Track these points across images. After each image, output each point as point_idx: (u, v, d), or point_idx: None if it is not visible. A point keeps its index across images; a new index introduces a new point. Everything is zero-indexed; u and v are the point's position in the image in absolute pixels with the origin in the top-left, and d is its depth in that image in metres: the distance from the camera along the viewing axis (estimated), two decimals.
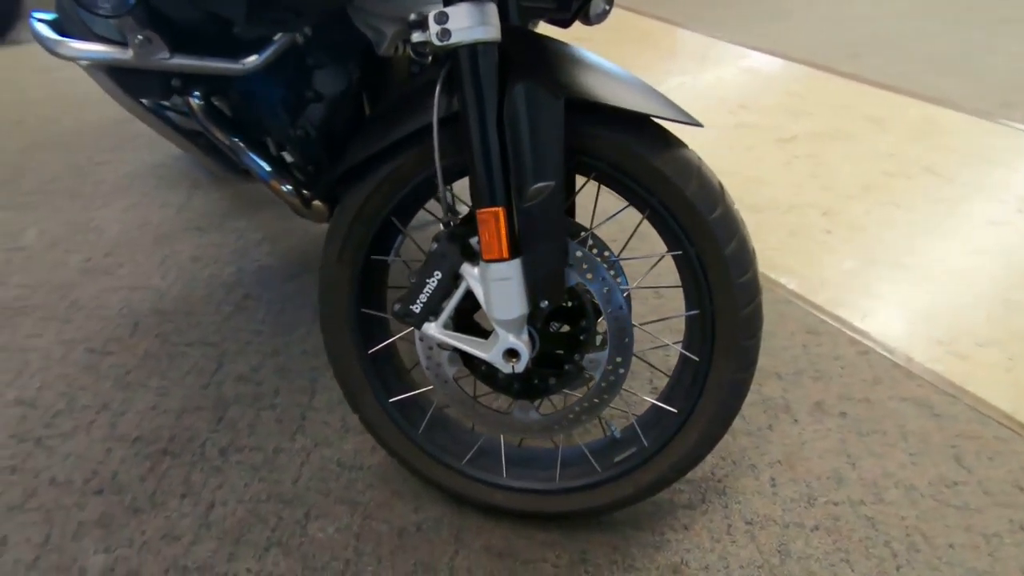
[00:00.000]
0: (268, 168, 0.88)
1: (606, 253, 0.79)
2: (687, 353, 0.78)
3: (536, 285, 0.70)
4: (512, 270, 0.68)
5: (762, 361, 1.15)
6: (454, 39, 0.61)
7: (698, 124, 0.71)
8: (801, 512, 0.91)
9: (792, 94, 2.05)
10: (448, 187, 0.73)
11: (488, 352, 0.72)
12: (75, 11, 0.71)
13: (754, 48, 2.42)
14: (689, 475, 0.95)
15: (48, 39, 0.70)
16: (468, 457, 0.88)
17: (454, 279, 0.72)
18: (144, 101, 0.83)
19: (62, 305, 1.33)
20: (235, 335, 1.25)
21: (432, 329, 0.74)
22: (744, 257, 0.71)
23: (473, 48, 0.62)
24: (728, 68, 2.27)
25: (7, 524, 0.93)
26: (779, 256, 1.38)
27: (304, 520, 0.93)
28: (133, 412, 1.10)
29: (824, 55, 2.35)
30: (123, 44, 0.71)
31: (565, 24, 0.94)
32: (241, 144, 0.87)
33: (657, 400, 0.83)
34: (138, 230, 1.55)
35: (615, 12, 2.86)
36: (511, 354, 0.72)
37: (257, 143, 0.89)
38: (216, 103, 0.86)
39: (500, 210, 0.66)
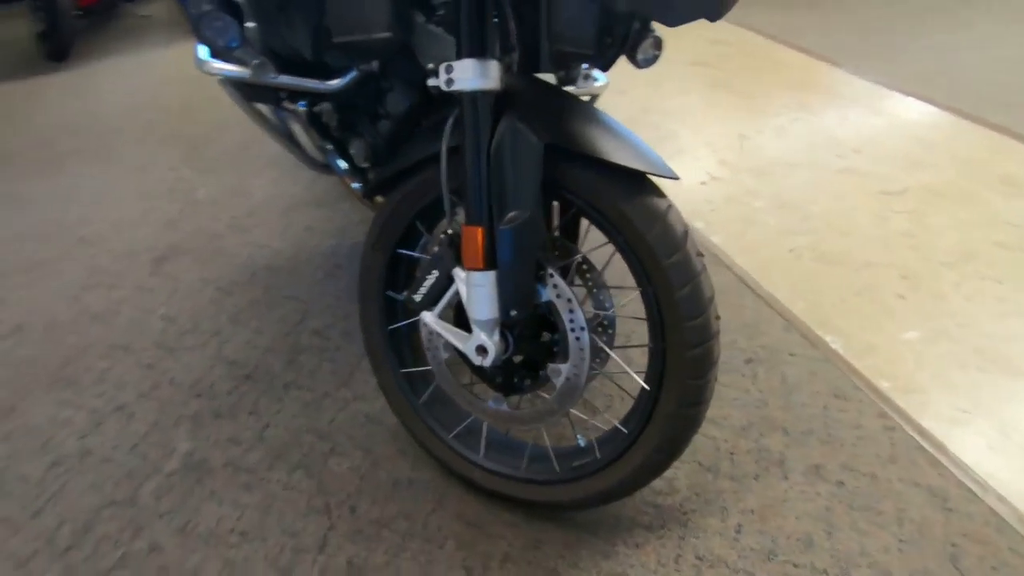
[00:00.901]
0: (344, 167, 1.09)
1: (588, 276, 0.88)
2: (641, 382, 0.85)
3: (507, 296, 0.82)
4: (486, 280, 0.81)
5: (773, 413, 1.15)
6: (456, 87, 0.75)
7: (672, 177, 0.78)
8: (756, 563, 0.93)
9: (920, 141, 1.88)
10: (455, 200, 0.88)
11: (464, 345, 0.86)
12: None
13: (895, 88, 2.23)
14: (659, 501, 1.01)
15: (198, 59, 0.97)
16: (455, 432, 1.02)
17: (448, 279, 0.87)
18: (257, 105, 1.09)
19: (208, 250, 1.70)
20: (320, 296, 1.51)
21: (428, 318, 0.89)
22: (697, 301, 0.77)
23: (472, 95, 0.75)
24: (857, 107, 2.13)
25: (136, 405, 1.26)
26: (835, 314, 1.33)
27: (328, 454, 1.14)
28: (235, 342, 1.40)
29: (973, 102, 2.10)
30: (246, 64, 0.96)
31: (604, 68, 1.03)
32: (328, 146, 1.09)
33: (618, 421, 0.91)
34: (274, 199, 1.90)
35: (753, 38, 2.78)
36: (481, 350, 0.85)
37: (340, 146, 1.10)
38: (316, 111, 1.10)
39: (480, 229, 0.79)
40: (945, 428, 1.09)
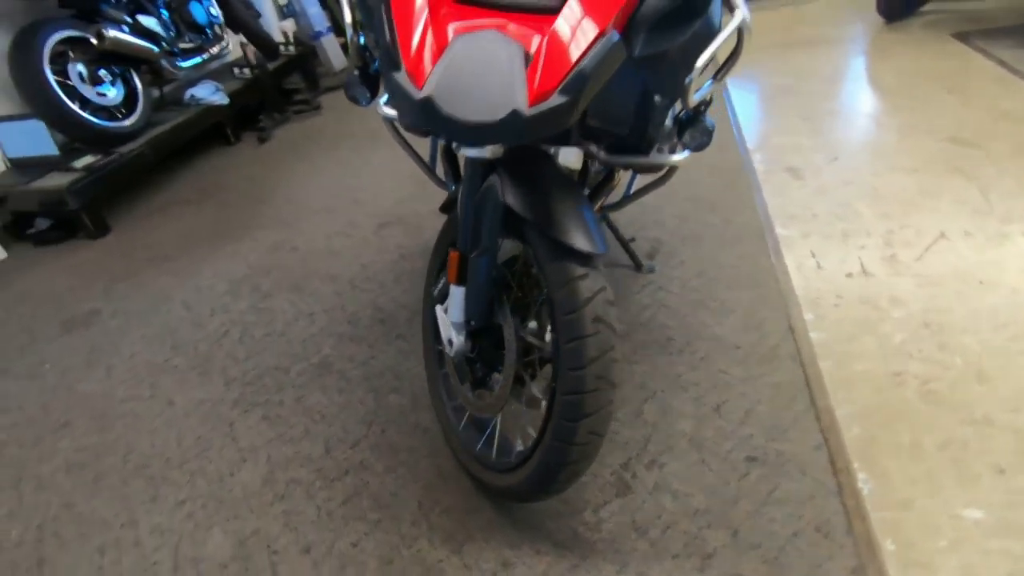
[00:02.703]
0: (451, 187, 1.46)
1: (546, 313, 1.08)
2: (540, 408, 1.02)
3: (469, 308, 1.08)
4: (458, 292, 1.09)
5: (736, 515, 1.13)
6: (461, 152, 1.04)
7: (596, 253, 0.92)
8: None
9: None
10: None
11: (443, 336, 1.16)
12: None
13: None
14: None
15: (376, 102, 1.45)
16: (453, 404, 1.32)
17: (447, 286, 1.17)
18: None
19: (413, 224, 2.29)
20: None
21: (437, 309, 1.21)
22: (579, 357, 0.92)
23: (470, 159, 1.03)
24: None
25: (318, 316, 1.89)
26: (888, 455, 1.17)
27: (395, 387, 1.56)
28: (387, 295, 1.93)
29: None
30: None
31: (639, 150, 1.16)
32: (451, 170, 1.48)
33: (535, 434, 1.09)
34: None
35: (967, 51, 2.18)
36: (449, 342, 1.14)
37: (455, 169, 1.47)
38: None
39: (458, 254, 1.07)
40: None
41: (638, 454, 1.28)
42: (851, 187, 1.99)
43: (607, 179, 1.43)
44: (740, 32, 1.08)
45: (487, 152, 1.00)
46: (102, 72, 2.74)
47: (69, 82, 2.59)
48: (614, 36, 0.77)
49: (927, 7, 3.33)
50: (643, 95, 1.07)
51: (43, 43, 2.48)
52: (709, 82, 1.19)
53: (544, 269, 0.97)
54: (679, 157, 1.25)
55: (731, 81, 3.02)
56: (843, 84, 2.76)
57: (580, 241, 0.94)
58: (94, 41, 2.58)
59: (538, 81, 0.74)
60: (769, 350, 1.46)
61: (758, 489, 1.17)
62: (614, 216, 1.98)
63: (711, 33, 1.04)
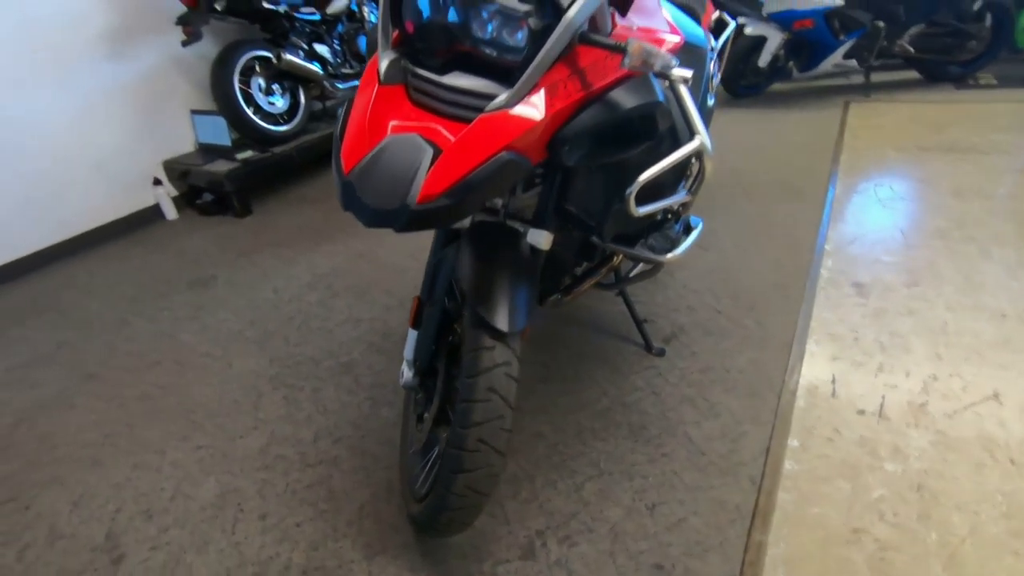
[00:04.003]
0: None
1: None
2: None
3: (417, 349, 1.24)
4: (412, 334, 1.26)
5: None
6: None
7: (508, 332, 1.03)
8: None
9: None
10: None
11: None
12: None
13: None
14: None
15: None
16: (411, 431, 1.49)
17: None
18: None
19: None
20: None
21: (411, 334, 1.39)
22: (465, 418, 1.03)
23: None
24: None
25: (359, 357, 2.16)
26: None
27: (379, 401, 1.76)
28: (388, 339, 2.15)
29: None
30: None
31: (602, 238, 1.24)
32: None
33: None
34: None
35: None
36: (402, 374, 1.30)
37: None
38: None
39: (417, 301, 1.24)
40: None
41: (559, 526, 1.33)
42: (914, 318, 1.81)
43: (605, 260, 1.52)
44: (701, 156, 1.13)
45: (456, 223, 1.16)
46: (275, 85, 3.35)
47: (249, 91, 3.21)
48: (506, 156, 0.89)
49: None
50: (605, 193, 1.17)
51: (237, 59, 3.11)
52: (683, 192, 1.24)
53: (465, 332, 1.10)
54: (662, 256, 1.31)
55: (844, 173, 2.84)
56: (969, 202, 2.46)
57: (495, 317, 1.05)
58: (275, 61, 3.17)
59: (430, 184, 0.88)
60: (733, 466, 1.42)
61: None
62: (644, 295, 2.02)
63: (668, 151, 1.11)
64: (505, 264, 1.14)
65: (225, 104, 3.13)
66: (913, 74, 4.17)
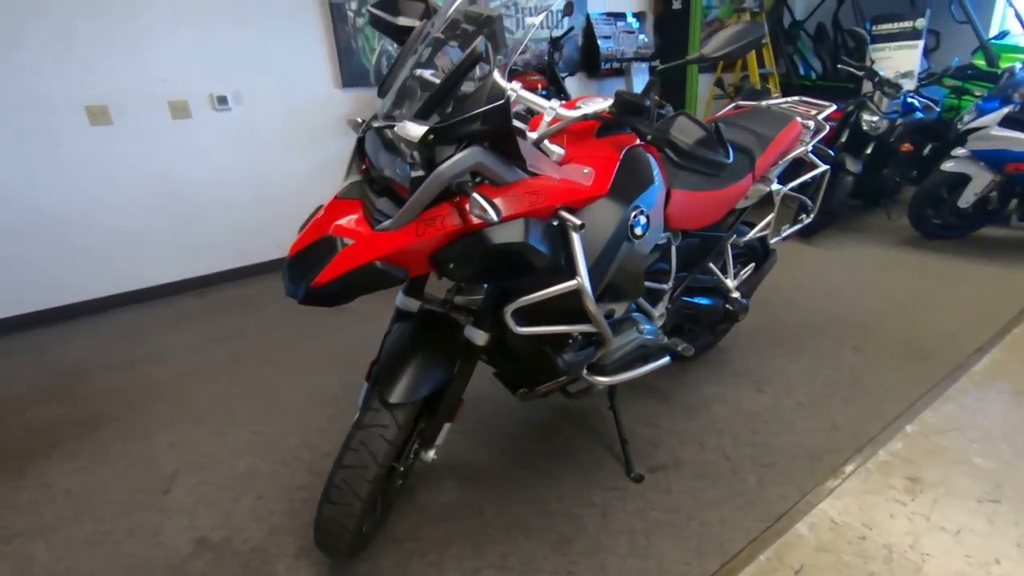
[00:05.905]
0: None
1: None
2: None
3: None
4: (366, 386, 1.54)
5: None
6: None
7: (395, 404, 1.26)
8: None
9: None
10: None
11: None
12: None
13: None
14: None
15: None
16: None
17: None
18: None
19: None
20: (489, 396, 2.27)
21: None
22: (340, 458, 1.27)
23: (396, 306, 1.47)
24: None
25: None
26: None
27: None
28: None
29: None
30: None
31: None
32: None
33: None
34: None
35: None
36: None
37: None
38: None
39: (372, 361, 1.52)
40: None
41: None
42: (956, 540, 1.46)
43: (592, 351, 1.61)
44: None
45: (401, 304, 1.45)
46: None
47: None
48: (379, 265, 1.12)
49: None
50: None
51: None
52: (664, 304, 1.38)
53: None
54: (569, 374, 1.44)
55: (1002, 353, 2.33)
56: None
57: (388, 390, 1.29)
58: None
59: (323, 274, 1.16)
60: None
61: None
62: (642, 412, 1.99)
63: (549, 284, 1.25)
64: (425, 347, 1.37)
65: None
66: None
